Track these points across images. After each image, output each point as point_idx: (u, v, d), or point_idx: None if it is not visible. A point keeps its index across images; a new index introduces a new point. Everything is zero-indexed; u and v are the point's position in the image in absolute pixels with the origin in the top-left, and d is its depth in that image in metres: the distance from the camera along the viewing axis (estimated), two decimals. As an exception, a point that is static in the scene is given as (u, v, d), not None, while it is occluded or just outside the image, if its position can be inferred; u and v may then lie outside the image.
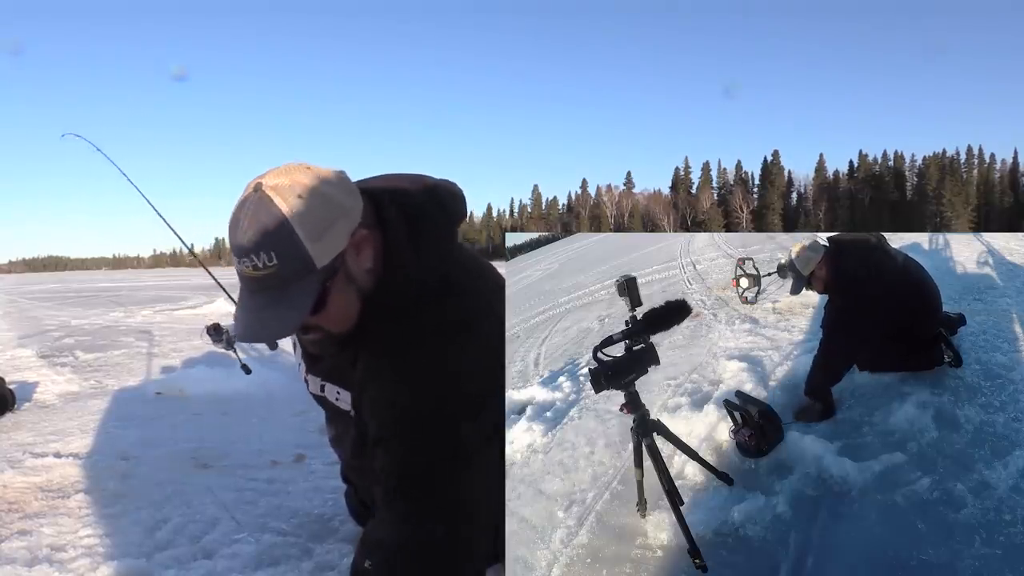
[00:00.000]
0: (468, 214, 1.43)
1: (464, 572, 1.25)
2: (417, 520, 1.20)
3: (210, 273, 2.66)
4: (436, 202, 1.34)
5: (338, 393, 1.45)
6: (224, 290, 2.56)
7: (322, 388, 1.52)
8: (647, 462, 1.78)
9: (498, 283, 1.51)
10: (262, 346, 7.52)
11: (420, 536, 1.19)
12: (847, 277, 2.36)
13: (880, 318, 2.29)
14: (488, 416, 1.29)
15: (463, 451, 1.22)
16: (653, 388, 3.03)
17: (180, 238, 2.30)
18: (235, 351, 1.98)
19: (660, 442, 1.79)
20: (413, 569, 1.19)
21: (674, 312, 1.69)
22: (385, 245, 1.26)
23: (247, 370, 2.06)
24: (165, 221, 2.26)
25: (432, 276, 1.29)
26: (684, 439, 1.97)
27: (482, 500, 1.28)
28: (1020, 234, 4.74)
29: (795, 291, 2.54)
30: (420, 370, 1.24)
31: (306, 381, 1.60)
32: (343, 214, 1.18)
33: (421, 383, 1.23)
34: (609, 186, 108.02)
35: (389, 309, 1.27)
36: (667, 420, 2.10)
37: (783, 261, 4.93)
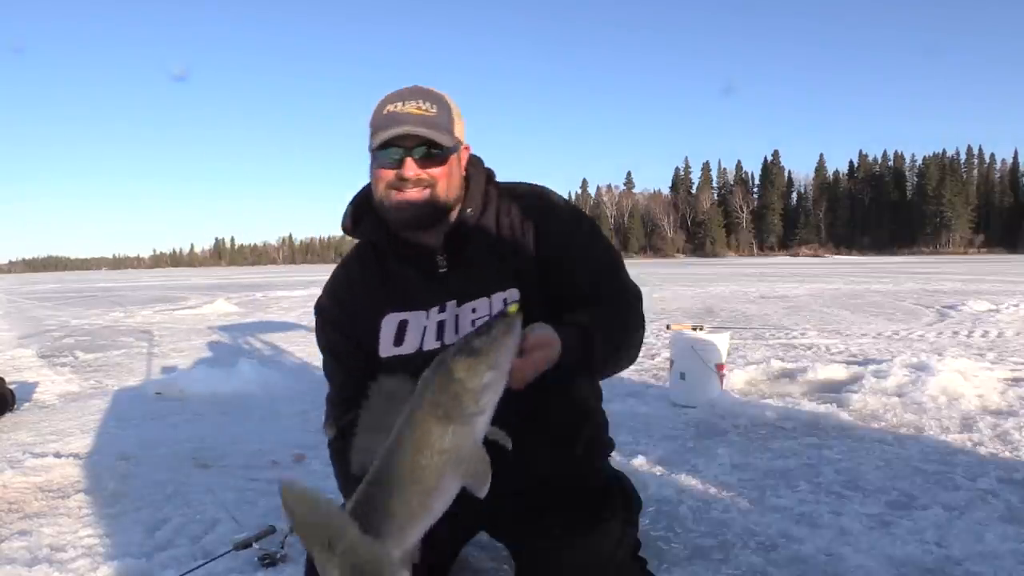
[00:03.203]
0: None
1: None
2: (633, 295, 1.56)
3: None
4: None
5: (474, 310, 1.51)
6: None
7: (455, 317, 1.53)
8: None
9: None
10: (262, 345, 7.52)
11: (636, 306, 1.56)
12: None
13: None
14: None
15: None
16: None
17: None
18: None
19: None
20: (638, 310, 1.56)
21: None
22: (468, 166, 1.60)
23: None
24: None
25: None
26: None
27: None
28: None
29: None
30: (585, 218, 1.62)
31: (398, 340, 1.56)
32: (462, 123, 1.54)
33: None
34: (609, 186, 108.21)
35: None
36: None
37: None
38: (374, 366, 1.48)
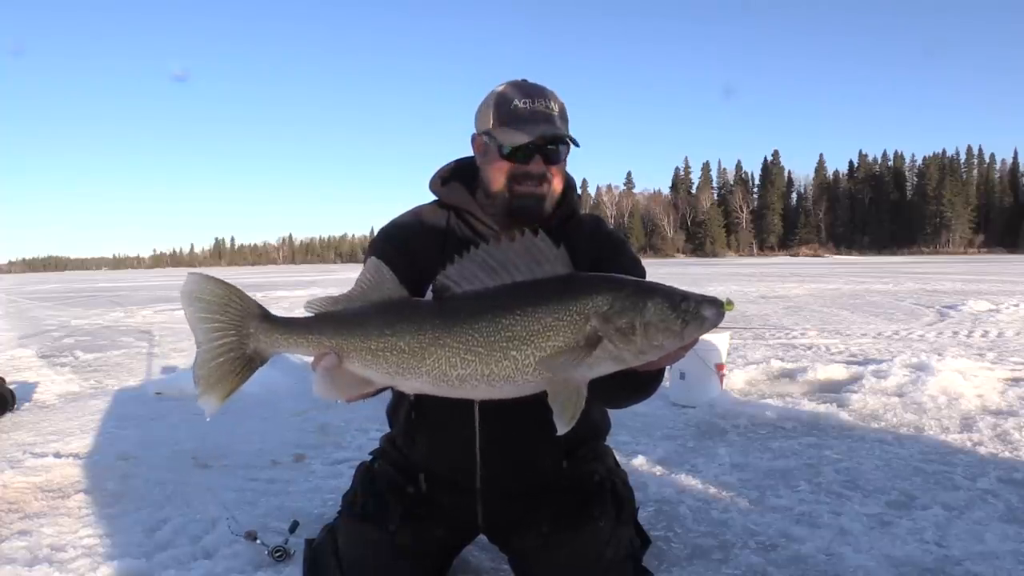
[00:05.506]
0: None
1: None
2: None
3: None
4: None
5: None
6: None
7: None
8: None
9: None
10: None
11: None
12: None
13: None
14: None
15: None
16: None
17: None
18: None
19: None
20: None
21: None
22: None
23: None
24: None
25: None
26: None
27: None
28: None
29: None
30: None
31: None
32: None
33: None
34: (609, 186, 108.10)
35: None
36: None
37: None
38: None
